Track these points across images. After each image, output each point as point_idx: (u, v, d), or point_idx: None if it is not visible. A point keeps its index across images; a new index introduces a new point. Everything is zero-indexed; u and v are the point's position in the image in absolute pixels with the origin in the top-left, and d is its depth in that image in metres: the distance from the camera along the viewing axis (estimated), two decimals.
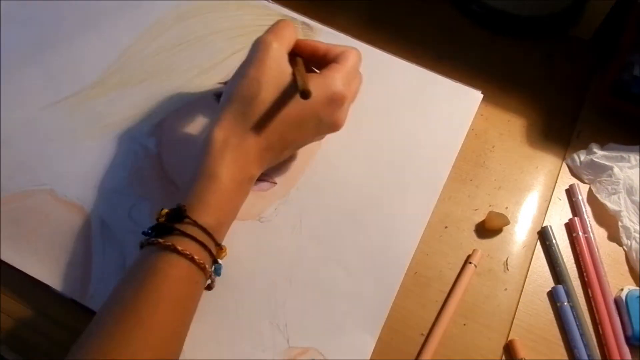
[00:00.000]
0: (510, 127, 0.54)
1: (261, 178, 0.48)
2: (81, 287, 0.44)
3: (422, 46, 0.57)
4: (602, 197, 0.49)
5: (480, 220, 0.49)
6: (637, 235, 0.47)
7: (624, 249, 0.47)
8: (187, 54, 0.55)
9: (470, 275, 0.46)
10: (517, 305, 0.45)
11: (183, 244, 0.38)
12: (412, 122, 0.52)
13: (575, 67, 0.57)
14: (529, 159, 0.52)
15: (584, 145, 0.53)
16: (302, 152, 0.50)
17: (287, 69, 0.43)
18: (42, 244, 0.45)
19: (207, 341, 0.42)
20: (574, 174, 0.51)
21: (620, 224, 0.48)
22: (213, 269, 0.40)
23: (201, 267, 0.38)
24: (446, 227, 0.48)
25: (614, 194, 0.48)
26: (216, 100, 0.51)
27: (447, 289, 0.46)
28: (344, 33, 0.57)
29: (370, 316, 0.44)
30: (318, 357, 0.42)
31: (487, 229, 0.48)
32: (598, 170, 0.50)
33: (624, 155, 0.50)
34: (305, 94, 0.40)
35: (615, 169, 0.49)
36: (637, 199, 0.48)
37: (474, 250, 0.47)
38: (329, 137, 0.50)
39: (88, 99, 0.52)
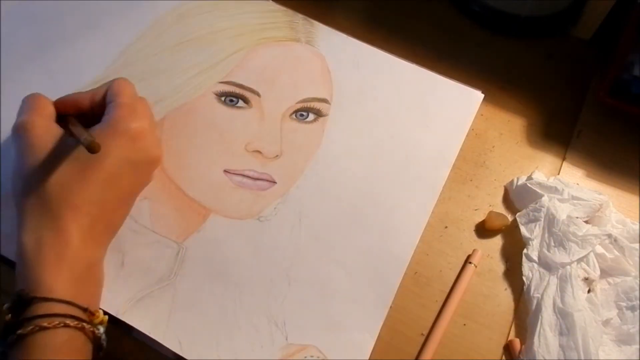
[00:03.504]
0: (510, 127, 0.54)
1: (260, 177, 0.48)
2: None
3: (422, 46, 0.57)
4: (520, 222, 0.47)
5: (480, 220, 0.49)
6: (535, 266, 0.45)
7: (523, 280, 0.45)
8: (187, 53, 0.55)
9: (470, 275, 0.46)
10: (517, 305, 0.45)
11: (46, 322, 0.34)
12: (412, 122, 0.52)
13: (575, 67, 0.57)
14: (529, 159, 0.52)
15: (584, 145, 0.53)
16: (301, 152, 0.50)
17: (60, 133, 0.40)
18: None
19: (206, 338, 0.42)
20: (508, 197, 0.50)
21: (524, 251, 0.46)
22: (101, 330, 0.38)
23: (78, 328, 0.35)
24: (446, 227, 0.48)
25: (533, 221, 0.47)
26: (216, 100, 0.51)
27: (447, 289, 0.46)
28: (344, 32, 0.57)
29: (369, 315, 0.44)
30: (317, 355, 0.42)
31: (487, 229, 0.48)
32: (529, 197, 0.48)
33: (559, 187, 0.48)
34: (92, 147, 0.36)
35: (545, 198, 0.47)
36: (558, 231, 0.45)
37: (474, 250, 0.47)
38: (329, 137, 0.50)
39: None
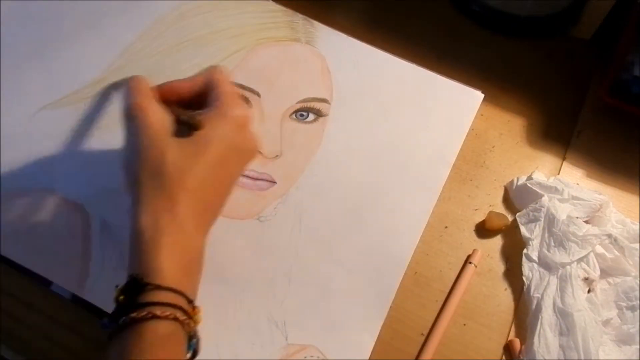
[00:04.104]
0: (510, 127, 0.54)
1: (260, 177, 0.48)
2: (78, 282, 0.44)
3: (422, 46, 0.57)
4: (520, 222, 0.47)
5: (480, 220, 0.49)
6: (535, 266, 0.45)
7: (523, 279, 0.45)
8: (188, 53, 0.54)
9: (470, 275, 0.46)
10: (517, 305, 0.45)
11: (159, 310, 0.34)
12: (412, 122, 0.52)
13: (575, 67, 0.57)
14: (529, 159, 0.52)
15: (584, 145, 0.53)
16: (301, 152, 0.50)
17: (170, 117, 0.40)
18: (43, 241, 0.45)
19: (206, 338, 0.42)
20: (508, 197, 0.50)
21: (524, 251, 0.46)
22: (192, 341, 0.37)
23: (184, 324, 0.35)
24: (446, 227, 0.48)
25: (533, 221, 0.47)
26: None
27: (447, 289, 0.46)
28: (344, 32, 0.57)
29: (369, 315, 0.44)
30: (317, 355, 0.42)
31: (487, 229, 0.48)
32: (529, 197, 0.48)
33: (559, 187, 0.48)
34: (197, 125, 0.38)
35: (544, 198, 0.47)
36: (558, 231, 0.45)
37: (474, 250, 0.47)
38: (329, 137, 0.50)
39: (89, 97, 0.52)
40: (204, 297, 0.43)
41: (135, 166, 0.38)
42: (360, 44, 0.56)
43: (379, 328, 0.43)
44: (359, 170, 0.49)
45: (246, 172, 0.48)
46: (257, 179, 0.48)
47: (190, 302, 0.36)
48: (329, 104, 0.52)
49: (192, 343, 0.37)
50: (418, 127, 0.52)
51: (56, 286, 0.44)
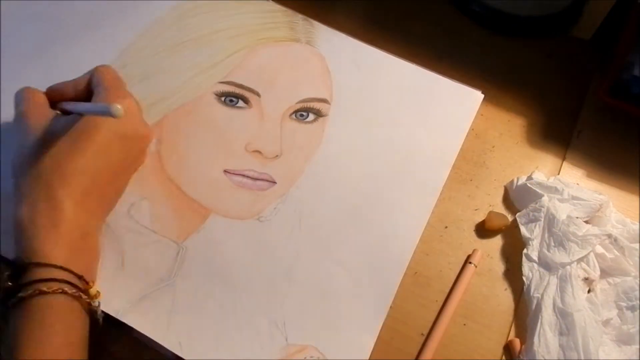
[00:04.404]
0: (510, 127, 0.54)
1: (260, 177, 0.48)
2: None
3: (422, 46, 0.57)
4: (520, 222, 0.47)
5: (480, 220, 0.49)
6: (535, 266, 0.45)
7: (523, 279, 0.45)
8: (187, 53, 0.54)
9: (470, 275, 0.46)
10: (517, 305, 0.45)
11: (45, 286, 0.36)
12: (412, 122, 0.52)
13: (575, 67, 0.57)
14: (529, 159, 0.52)
15: (584, 145, 0.53)
16: (301, 152, 0.50)
17: (53, 114, 0.43)
18: None
19: (205, 338, 0.42)
20: (508, 197, 0.50)
21: (524, 251, 0.46)
22: (97, 304, 0.39)
23: (75, 297, 0.37)
24: (446, 227, 0.48)
25: (533, 221, 0.47)
26: (216, 100, 0.51)
27: (447, 289, 0.46)
28: (344, 32, 0.57)
29: (369, 315, 0.44)
30: (316, 355, 0.42)
31: (487, 229, 0.48)
32: (529, 197, 0.48)
33: (559, 187, 0.48)
34: (116, 110, 0.37)
35: (544, 198, 0.47)
36: (558, 231, 0.45)
37: (474, 250, 0.47)
38: (329, 137, 0.50)
39: None
40: (203, 298, 0.43)
41: (17, 162, 0.41)
42: (360, 44, 0.56)
43: (379, 328, 0.43)
44: (359, 170, 0.49)
45: (246, 172, 0.48)
46: (257, 179, 0.48)
47: (81, 277, 0.38)
48: (329, 104, 0.52)
49: (98, 316, 0.39)
50: (418, 127, 0.52)
51: None
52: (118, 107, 0.37)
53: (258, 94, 0.52)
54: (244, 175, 0.48)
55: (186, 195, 0.47)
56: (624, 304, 0.44)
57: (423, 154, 0.51)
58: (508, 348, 0.44)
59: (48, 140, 0.41)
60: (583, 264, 0.45)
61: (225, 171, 0.48)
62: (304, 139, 0.50)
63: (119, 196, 0.45)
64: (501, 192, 0.50)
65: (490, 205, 0.50)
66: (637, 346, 0.42)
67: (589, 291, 0.44)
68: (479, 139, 0.53)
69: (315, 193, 0.48)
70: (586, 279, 0.44)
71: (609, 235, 0.45)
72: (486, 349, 0.44)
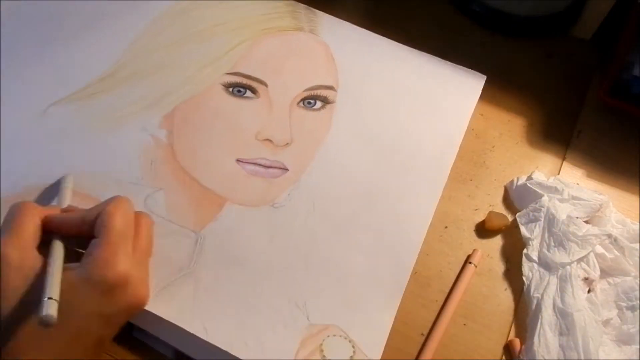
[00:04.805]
0: (510, 127, 0.54)
1: (272, 165, 0.49)
2: None
3: (422, 46, 0.57)
4: (520, 222, 0.47)
5: (480, 220, 0.49)
6: (535, 266, 0.45)
7: (523, 279, 0.45)
8: (192, 46, 0.55)
9: (470, 275, 0.46)
10: (517, 305, 0.45)
11: None
12: (417, 105, 0.53)
13: (575, 67, 0.57)
14: (529, 159, 0.52)
15: (584, 145, 0.53)
16: (311, 139, 0.50)
17: (36, 267, 0.36)
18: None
19: (230, 322, 0.42)
20: (508, 197, 0.50)
21: (524, 251, 0.46)
22: None
23: None
24: (446, 227, 0.48)
25: (533, 221, 0.47)
26: (224, 91, 0.51)
27: (447, 289, 0.46)
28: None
29: (386, 293, 0.44)
30: (339, 333, 0.42)
31: (487, 229, 0.48)
32: (529, 197, 0.48)
33: (559, 187, 0.48)
34: (45, 321, 0.32)
35: (544, 198, 0.47)
36: (558, 231, 0.45)
37: (474, 250, 0.47)
38: (337, 123, 0.51)
39: (98, 93, 0.52)
40: (224, 283, 0.43)
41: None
42: (363, 31, 0.57)
43: (397, 306, 0.44)
44: (368, 154, 0.50)
45: (258, 161, 0.49)
46: (269, 166, 0.49)
47: None
48: (335, 91, 0.53)
49: None
50: (423, 110, 0.53)
51: None
52: (51, 315, 0.32)
53: (265, 84, 0.52)
54: (256, 164, 0.49)
55: (201, 185, 0.48)
56: (624, 304, 0.44)
57: (429, 137, 0.51)
58: (508, 348, 0.44)
59: (21, 308, 0.35)
60: (583, 264, 0.45)
61: (237, 160, 0.49)
62: (312, 126, 0.51)
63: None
64: (501, 192, 0.50)
65: (490, 205, 0.50)
66: (637, 346, 0.42)
67: (589, 291, 0.44)
68: (479, 139, 0.53)
69: (327, 178, 0.49)
70: (586, 279, 0.44)
71: (609, 235, 0.45)
72: (486, 349, 0.44)
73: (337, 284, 0.44)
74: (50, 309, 0.33)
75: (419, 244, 0.46)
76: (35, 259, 0.37)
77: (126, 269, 0.37)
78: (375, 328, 0.43)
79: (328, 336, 0.42)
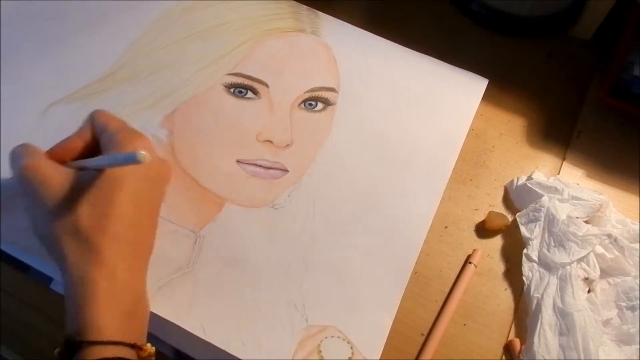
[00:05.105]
0: (510, 127, 0.54)
1: (273, 166, 0.49)
2: None
3: (422, 46, 0.57)
4: (520, 222, 0.47)
5: (480, 220, 0.49)
6: (535, 266, 0.45)
7: (523, 279, 0.45)
8: (194, 46, 0.55)
9: (470, 275, 0.46)
10: (517, 305, 0.45)
11: None
12: (419, 107, 0.53)
13: (575, 67, 0.57)
14: (529, 159, 0.52)
15: (584, 145, 0.53)
16: (312, 140, 0.50)
17: (68, 170, 0.39)
18: None
19: (227, 322, 0.42)
20: (508, 197, 0.50)
21: (524, 251, 0.46)
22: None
23: None
24: (446, 227, 0.48)
25: (533, 221, 0.47)
26: (225, 91, 0.51)
27: (447, 289, 0.46)
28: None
29: (386, 294, 0.44)
30: (337, 334, 0.42)
31: (487, 229, 0.48)
32: (529, 197, 0.48)
33: (559, 187, 0.48)
34: (143, 156, 0.34)
35: (544, 198, 0.47)
36: (558, 231, 0.45)
37: (474, 250, 0.47)
38: (338, 125, 0.51)
39: (99, 92, 0.52)
40: (223, 283, 0.43)
41: (49, 228, 0.37)
42: (365, 33, 0.57)
43: (397, 306, 0.44)
44: (369, 156, 0.50)
45: (258, 162, 0.49)
46: (269, 167, 0.49)
47: (134, 346, 0.36)
48: (337, 92, 0.53)
49: None
50: (424, 112, 0.52)
51: (56, 284, 0.44)
52: (143, 153, 0.34)
53: (266, 85, 0.52)
54: (256, 165, 0.49)
55: (200, 185, 0.48)
56: (624, 304, 0.44)
57: (431, 139, 0.51)
58: (508, 348, 0.44)
59: (76, 195, 0.37)
60: (583, 264, 0.45)
61: (238, 161, 0.49)
62: (313, 127, 0.51)
63: (153, 243, 0.41)
64: (501, 192, 0.50)
65: (490, 205, 0.50)
66: (637, 346, 0.42)
67: (589, 291, 0.44)
68: (479, 139, 0.53)
69: (327, 180, 0.49)
70: (586, 279, 0.44)
71: (609, 235, 0.45)
72: (486, 349, 0.44)
73: (337, 285, 0.44)
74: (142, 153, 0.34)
75: (419, 245, 0.46)
76: (64, 167, 0.39)
77: (147, 140, 0.40)
78: (374, 329, 0.43)
79: (326, 337, 0.42)
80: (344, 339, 0.42)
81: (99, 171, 0.38)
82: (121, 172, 0.38)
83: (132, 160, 0.34)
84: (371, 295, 0.44)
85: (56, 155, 0.40)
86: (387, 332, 0.43)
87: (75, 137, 0.42)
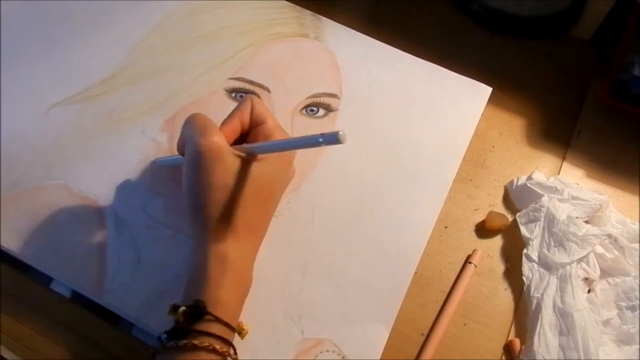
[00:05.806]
0: (510, 127, 0.54)
1: None
2: (97, 283, 0.43)
3: (422, 46, 0.57)
4: (520, 222, 0.47)
5: (480, 220, 0.49)
6: (535, 266, 0.45)
7: (523, 279, 0.46)
8: (198, 49, 0.55)
9: (470, 275, 0.46)
10: (517, 305, 0.45)
11: (203, 340, 0.36)
12: (421, 116, 0.52)
13: (575, 67, 0.57)
14: (529, 159, 0.52)
15: (584, 145, 0.53)
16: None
17: (239, 160, 0.40)
18: (56, 238, 0.45)
19: None
20: (508, 197, 0.50)
21: (524, 251, 0.46)
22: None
23: (224, 355, 0.36)
24: (446, 227, 0.48)
25: (533, 221, 0.47)
26: (227, 96, 0.51)
27: (447, 289, 0.46)
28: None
29: (383, 307, 0.44)
30: (332, 349, 0.42)
31: (487, 229, 0.48)
32: (529, 197, 0.48)
33: (559, 187, 0.48)
34: (343, 136, 0.34)
35: (544, 198, 0.47)
36: (558, 231, 0.45)
37: (474, 250, 0.47)
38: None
39: (100, 95, 0.52)
40: None
41: (206, 202, 0.39)
42: (368, 39, 0.56)
43: (394, 319, 0.43)
44: (369, 164, 0.50)
45: None
46: None
47: (240, 332, 0.39)
48: (339, 99, 0.53)
49: None
50: (427, 120, 0.52)
51: (56, 284, 0.44)
52: (343, 133, 0.34)
53: (268, 90, 0.52)
54: None
55: None
56: (624, 304, 0.44)
57: (433, 147, 0.51)
58: (508, 348, 0.44)
59: (236, 185, 0.40)
60: (583, 264, 0.45)
61: None
62: (314, 133, 0.51)
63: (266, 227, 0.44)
64: (501, 192, 0.50)
65: (490, 205, 0.50)
66: (637, 346, 0.42)
67: (589, 291, 0.44)
68: (479, 139, 0.53)
69: (327, 187, 0.49)
70: (586, 279, 0.44)
71: (609, 235, 0.45)
72: (486, 349, 0.44)
73: (334, 296, 0.44)
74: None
75: (418, 257, 0.46)
76: (237, 155, 0.40)
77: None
78: (370, 343, 0.42)
79: (321, 352, 0.42)
80: (339, 354, 0.42)
81: (261, 166, 0.41)
82: (273, 172, 0.42)
83: (335, 140, 0.34)
84: (368, 307, 0.44)
85: (226, 134, 0.42)
86: (384, 346, 0.42)
87: (237, 119, 0.43)
